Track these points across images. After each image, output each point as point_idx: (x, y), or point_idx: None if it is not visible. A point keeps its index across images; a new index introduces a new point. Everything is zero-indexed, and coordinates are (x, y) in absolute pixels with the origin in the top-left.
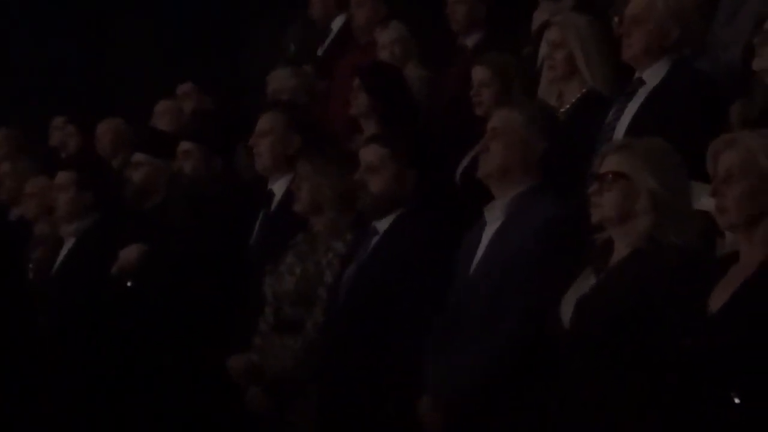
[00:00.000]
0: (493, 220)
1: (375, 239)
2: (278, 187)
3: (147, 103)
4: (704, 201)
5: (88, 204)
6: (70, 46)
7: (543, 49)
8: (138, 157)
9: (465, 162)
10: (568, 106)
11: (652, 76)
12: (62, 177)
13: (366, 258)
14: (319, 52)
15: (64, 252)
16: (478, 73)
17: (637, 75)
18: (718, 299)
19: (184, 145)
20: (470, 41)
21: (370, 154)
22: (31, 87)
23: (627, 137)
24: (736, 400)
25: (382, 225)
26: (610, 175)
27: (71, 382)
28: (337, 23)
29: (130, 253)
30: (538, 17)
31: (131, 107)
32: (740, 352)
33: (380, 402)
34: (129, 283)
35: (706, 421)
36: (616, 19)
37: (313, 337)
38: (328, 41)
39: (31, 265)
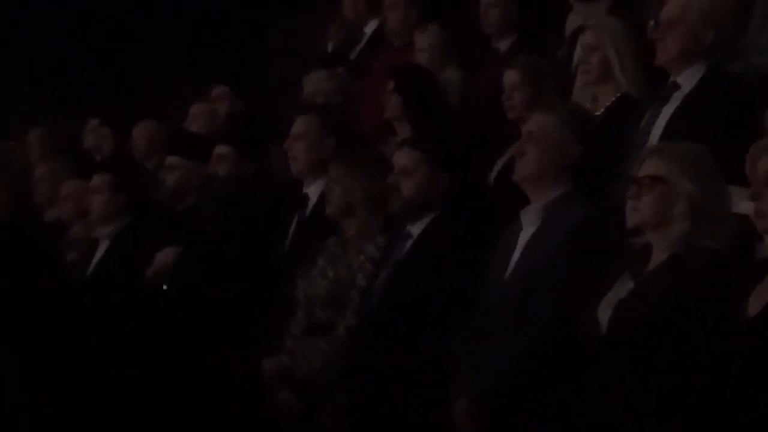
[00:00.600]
0: (529, 224)
1: (409, 242)
2: (313, 191)
3: (179, 106)
4: (743, 204)
5: (122, 206)
6: (100, 48)
7: (577, 53)
8: (172, 159)
9: (499, 165)
10: (602, 109)
11: (687, 80)
12: (97, 180)
13: (401, 261)
14: (353, 56)
15: (99, 254)
16: (510, 77)
17: (671, 79)
18: (757, 303)
19: (220, 149)
20: (503, 45)
21: (403, 157)
22: (63, 88)
23: (663, 141)
24: None
25: (416, 229)
26: (648, 180)
27: (102, 382)
28: (370, 27)
29: (165, 256)
30: (573, 20)
31: (163, 109)
32: None
33: (410, 403)
34: (165, 287)
35: (738, 424)
36: (650, 22)
37: (344, 339)
38: (361, 44)
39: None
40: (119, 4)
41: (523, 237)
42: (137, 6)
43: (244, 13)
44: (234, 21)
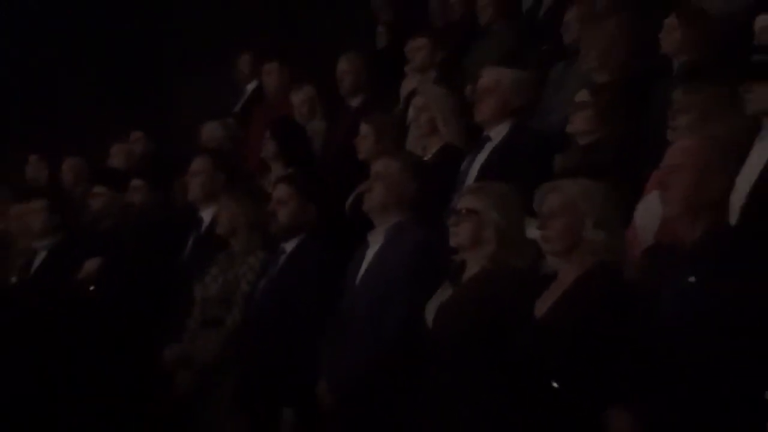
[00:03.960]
0: (375, 243)
1: (283, 257)
2: (207, 215)
3: (102, 145)
4: (533, 231)
5: (56, 225)
6: (37, 94)
7: (410, 112)
8: (97, 188)
9: (351, 198)
10: (430, 155)
11: (497, 134)
12: (36, 203)
13: (276, 271)
14: (236, 108)
15: (38, 261)
16: (363, 128)
17: (485, 133)
18: (542, 307)
19: (135, 182)
20: (355, 102)
21: (279, 190)
22: (7, 127)
23: (477, 182)
24: (555, 385)
25: (289, 246)
26: (465, 211)
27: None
28: (251, 86)
29: (92, 264)
30: (406, 86)
31: (88, 147)
32: (560, 349)
33: (285, 383)
34: (91, 288)
35: (534, 401)
36: (469, 88)
37: (231, 331)
38: (243, 100)
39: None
40: (51, 57)
41: (370, 252)
42: (66, 61)
43: (156, 72)
44: (147, 77)
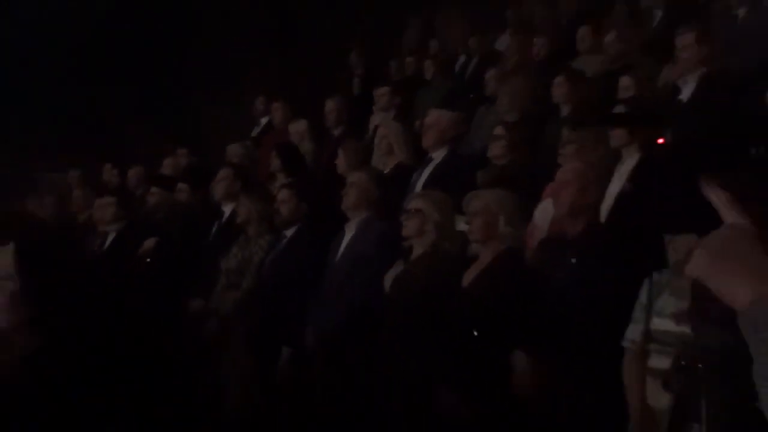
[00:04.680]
0: (350, 231)
1: (284, 241)
2: (227, 209)
3: (157, 156)
4: (462, 225)
5: (122, 215)
6: (102, 116)
7: (377, 139)
8: (153, 189)
9: (334, 199)
10: (389, 170)
11: (437, 156)
12: (109, 199)
13: (279, 251)
14: (254, 133)
15: (108, 240)
16: (341, 151)
17: (429, 155)
18: (467, 279)
19: (181, 185)
20: (337, 131)
21: (282, 194)
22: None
23: (423, 190)
24: (476, 334)
25: (288, 233)
26: (413, 210)
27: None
28: (264, 119)
29: (148, 243)
30: (374, 121)
31: (148, 158)
32: (480, 309)
33: (283, 330)
34: (148, 260)
35: (460, 346)
36: (417, 123)
37: (245, 292)
38: (258, 129)
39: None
40: (121, 94)
41: (346, 239)
42: (133, 96)
43: (195, 106)
44: (190, 111)
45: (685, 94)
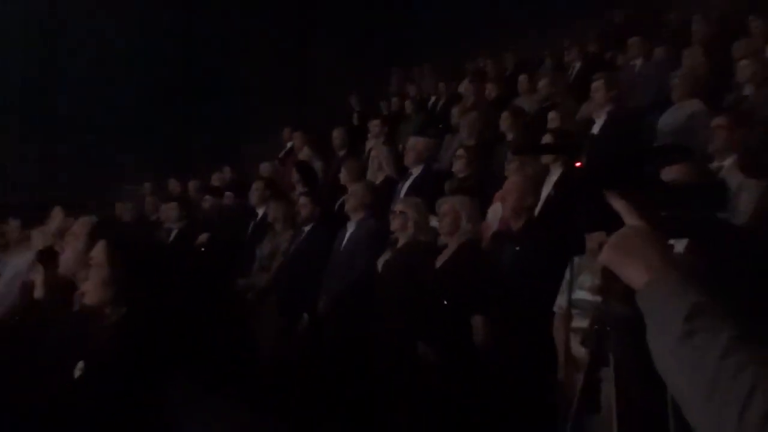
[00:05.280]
0: (350, 228)
1: (303, 235)
2: (260, 212)
3: (208, 172)
4: (434, 223)
5: (183, 216)
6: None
7: (370, 159)
8: (206, 197)
9: (339, 203)
10: (379, 182)
11: (416, 171)
12: (173, 204)
13: (299, 242)
14: (281, 155)
15: (172, 236)
16: (344, 170)
17: (409, 171)
18: (438, 262)
19: (227, 194)
20: (340, 153)
21: (301, 200)
22: (158, 156)
23: (405, 197)
24: (445, 302)
25: (306, 229)
26: (399, 212)
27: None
28: (288, 144)
29: (203, 237)
30: (368, 145)
31: (202, 173)
32: (448, 284)
33: (304, 299)
34: (202, 249)
35: (433, 312)
36: (400, 146)
37: (274, 273)
38: (284, 151)
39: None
40: (180, 125)
41: (348, 233)
42: (187, 125)
43: (233, 136)
44: (228, 141)
45: (597, 125)
